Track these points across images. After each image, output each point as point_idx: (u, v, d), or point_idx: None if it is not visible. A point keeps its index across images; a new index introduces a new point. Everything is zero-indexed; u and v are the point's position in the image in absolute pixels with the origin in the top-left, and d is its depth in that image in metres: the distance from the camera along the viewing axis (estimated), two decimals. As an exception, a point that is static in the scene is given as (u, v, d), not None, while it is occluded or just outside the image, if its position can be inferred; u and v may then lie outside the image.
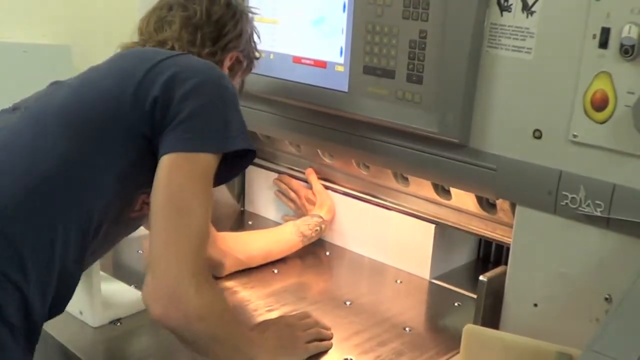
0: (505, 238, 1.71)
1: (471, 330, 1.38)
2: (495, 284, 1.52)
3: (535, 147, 1.43)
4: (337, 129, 1.74)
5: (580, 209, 1.38)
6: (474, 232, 1.79)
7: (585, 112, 1.35)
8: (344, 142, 1.74)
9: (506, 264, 1.56)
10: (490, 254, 2.03)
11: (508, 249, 1.86)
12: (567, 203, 1.39)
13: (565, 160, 1.39)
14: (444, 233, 1.88)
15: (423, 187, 1.80)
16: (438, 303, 1.82)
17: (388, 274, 1.93)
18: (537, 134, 1.42)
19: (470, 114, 1.50)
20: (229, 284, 1.82)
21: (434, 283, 1.89)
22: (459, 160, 1.54)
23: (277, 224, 2.22)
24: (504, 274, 1.53)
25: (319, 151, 1.98)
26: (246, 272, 1.87)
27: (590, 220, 1.37)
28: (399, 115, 1.59)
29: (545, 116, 1.41)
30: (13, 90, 2.75)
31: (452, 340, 1.59)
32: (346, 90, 1.69)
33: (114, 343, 1.54)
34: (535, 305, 1.48)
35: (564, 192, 1.39)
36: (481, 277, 1.52)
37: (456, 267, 1.97)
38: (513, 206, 1.57)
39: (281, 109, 1.85)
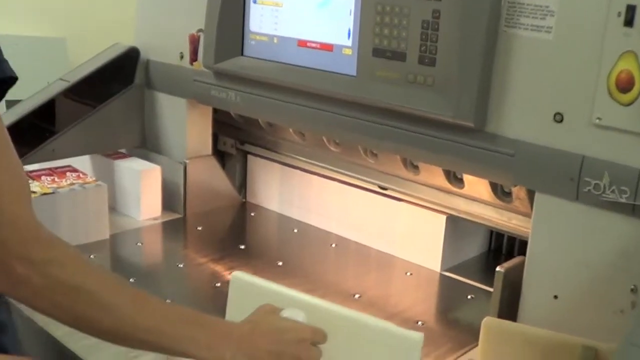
0: (521, 228, 1.65)
1: (490, 323, 1.32)
2: (512, 276, 1.46)
3: (556, 131, 1.37)
4: (345, 114, 1.67)
5: (604, 195, 1.32)
6: (488, 222, 1.73)
7: (610, 93, 1.29)
8: (351, 129, 1.67)
9: (519, 255, 1.51)
10: (502, 246, 1.97)
11: (521, 240, 1.83)
12: (590, 190, 1.33)
13: (588, 145, 1.33)
14: (456, 224, 1.81)
15: (434, 176, 1.74)
16: (450, 296, 1.77)
17: (397, 267, 1.87)
18: (558, 118, 1.36)
19: (486, 96, 1.44)
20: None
21: (445, 275, 1.83)
22: (475, 146, 1.47)
23: (280, 215, 2.17)
24: (521, 264, 1.47)
25: (324, 139, 1.91)
26: (250, 264, 1.82)
27: (615, 207, 1.31)
28: (411, 99, 1.52)
29: (567, 98, 1.35)
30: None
31: (466, 334, 1.55)
32: (354, 74, 1.63)
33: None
34: (556, 297, 1.41)
35: (586, 178, 1.33)
36: (498, 268, 1.46)
37: (467, 259, 1.91)
38: (530, 194, 1.52)
39: (285, 95, 1.78)
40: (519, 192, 1.58)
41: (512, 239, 1.91)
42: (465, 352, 1.49)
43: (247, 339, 1.16)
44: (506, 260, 1.51)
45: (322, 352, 1.25)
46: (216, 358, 1.13)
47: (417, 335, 1.21)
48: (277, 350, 1.15)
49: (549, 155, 1.37)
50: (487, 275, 1.79)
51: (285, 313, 1.23)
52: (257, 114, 1.97)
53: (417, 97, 1.51)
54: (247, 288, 1.37)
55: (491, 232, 1.96)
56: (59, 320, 1.13)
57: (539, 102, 1.38)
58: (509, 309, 1.47)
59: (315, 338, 1.20)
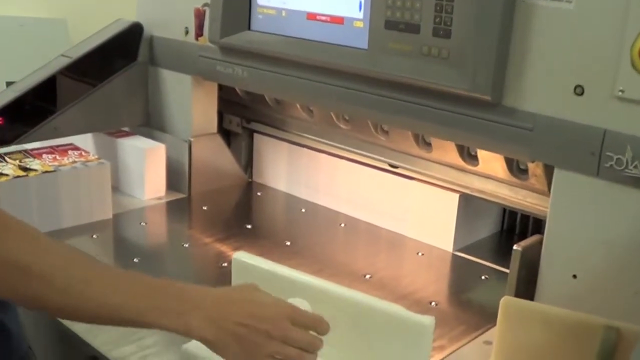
0: (536, 206, 1.60)
1: (509, 303, 1.28)
2: (529, 255, 1.42)
3: (577, 104, 1.31)
4: (356, 89, 1.62)
5: (626, 170, 1.27)
6: (502, 201, 1.68)
7: (633, 65, 1.24)
8: (363, 104, 1.62)
9: (533, 235, 1.47)
10: (515, 226, 1.92)
11: (535, 220, 1.78)
12: (611, 165, 1.28)
13: (610, 118, 1.28)
14: (469, 203, 1.76)
15: (447, 153, 1.69)
16: (463, 276, 1.72)
17: (408, 247, 1.83)
18: (579, 90, 1.31)
19: (504, 69, 1.38)
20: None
21: (457, 255, 1.78)
22: (492, 120, 1.42)
23: (287, 195, 2.12)
24: (539, 243, 1.42)
25: (333, 116, 1.86)
26: (257, 244, 1.77)
27: (638, 183, 1.26)
28: (425, 72, 1.47)
29: (588, 70, 1.29)
30: (10, 64, 2.66)
31: (481, 316, 1.51)
32: (366, 47, 1.57)
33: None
34: (575, 276, 1.37)
35: (608, 153, 1.28)
36: (515, 247, 1.41)
37: (479, 239, 1.87)
38: (547, 171, 1.48)
39: (294, 70, 1.73)
40: (535, 169, 1.53)
41: (525, 218, 1.87)
42: (480, 334, 1.45)
43: (218, 307, 1.08)
44: (519, 240, 1.46)
45: (329, 338, 1.21)
46: (182, 326, 1.05)
47: (428, 320, 1.16)
48: (248, 323, 1.06)
49: (569, 130, 1.32)
50: (501, 256, 1.76)
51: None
52: (265, 89, 1.91)
53: (432, 70, 1.46)
54: (250, 269, 1.33)
55: (504, 211, 1.91)
56: (14, 301, 1.07)
57: (558, 74, 1.33)
58: (526, 289, 1.42)
59: (299, 318, 1.10)
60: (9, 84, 2.25)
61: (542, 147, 1.37)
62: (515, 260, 1.41)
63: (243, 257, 1.34)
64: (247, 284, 1.15)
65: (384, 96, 1.57)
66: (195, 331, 1.05)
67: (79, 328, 1.37)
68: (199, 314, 1.06)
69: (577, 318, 1.23)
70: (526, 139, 1.38)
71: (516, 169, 1.60)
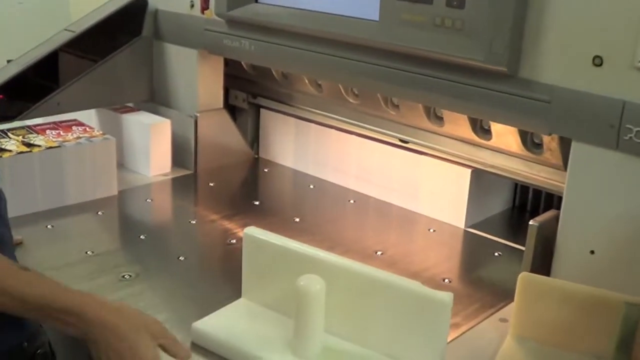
0: (551, 181, 1.57)
1: (527, 279, 1.25)
2: (545, 230, 1.39)
3: (595, 75, 1.28)
4: (368, 61, 1.58)
5: (647, 143, 1.24)
6: (516, 176, 1.65)
7: (654, 34, 1.21)
8: (375, 77, 1.58)
9: (545, 211, 1.44)
10: (527, 202, 1.89)
11: (547, 195, 1.76)
12: (631, 137, 1.25)
13: (630, 89, 1.25)
14: (481, 178, 1.73)
15: (459, 127, 1.65)
16: (476, 253, 1.69)
17: (419, 223, 1.80)
18: (598, 61, 1.27)
19: (520, 39, 1.35)
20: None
21: (469, 232, 1.75)
22: (508, 92, 1.39)
23: (295, 171, 2.10)
24: (555, 218, 1.39)
25: (342, 90, 1.83)
26: (265, 220, 1.74)
27: (658, 156, 1.23)
28: (438, 43, 1.43)
29: (607, 40, 1.26)
30: (9, 43, 2.61)
31: (496, 293, 1.48)
32: (377, 18, 1.54)
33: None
34: (592, 252, 1.34)
35: (627, 125, 1.25)
36: (531, 222, 1.39)
37: (491, 215, 1.83)
38: (563, 145, 1.45)
39: (303, 43, 1.70)
40: (550, 142, 1.50)
41: (537, 194, 1.84)
42: (496, 312, 1.42)
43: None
44: (531, 217, 1.43)
45: (344, 314, 1.20)
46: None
47: (447, 296, 1.13)
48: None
49: (587, 101, 1.29)
50: (513, 232, 1.74)
51: (302, 280, 1.16)
52: (273, 63, 1.88)
53: (445, 41, 1.42)
54: (262, 244, 1.30)
55: (516, 187, 1.88)
56: None
57: (576, 44, 1.29)
58: (542, 266, 1.39)
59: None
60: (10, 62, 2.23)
61: (560, 119, 1.33)
62: (531, 236, 1.38)
63: (254, 233, 1.31)
64: None
65: (396, 69, 1.54)
66: None
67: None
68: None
69: (597, 294, 1.20)
70: (543, 112, 1.35)
71: (530, 143, 1.56)
